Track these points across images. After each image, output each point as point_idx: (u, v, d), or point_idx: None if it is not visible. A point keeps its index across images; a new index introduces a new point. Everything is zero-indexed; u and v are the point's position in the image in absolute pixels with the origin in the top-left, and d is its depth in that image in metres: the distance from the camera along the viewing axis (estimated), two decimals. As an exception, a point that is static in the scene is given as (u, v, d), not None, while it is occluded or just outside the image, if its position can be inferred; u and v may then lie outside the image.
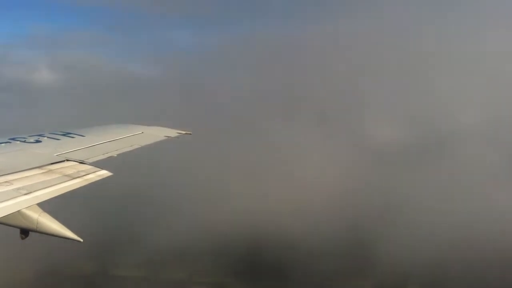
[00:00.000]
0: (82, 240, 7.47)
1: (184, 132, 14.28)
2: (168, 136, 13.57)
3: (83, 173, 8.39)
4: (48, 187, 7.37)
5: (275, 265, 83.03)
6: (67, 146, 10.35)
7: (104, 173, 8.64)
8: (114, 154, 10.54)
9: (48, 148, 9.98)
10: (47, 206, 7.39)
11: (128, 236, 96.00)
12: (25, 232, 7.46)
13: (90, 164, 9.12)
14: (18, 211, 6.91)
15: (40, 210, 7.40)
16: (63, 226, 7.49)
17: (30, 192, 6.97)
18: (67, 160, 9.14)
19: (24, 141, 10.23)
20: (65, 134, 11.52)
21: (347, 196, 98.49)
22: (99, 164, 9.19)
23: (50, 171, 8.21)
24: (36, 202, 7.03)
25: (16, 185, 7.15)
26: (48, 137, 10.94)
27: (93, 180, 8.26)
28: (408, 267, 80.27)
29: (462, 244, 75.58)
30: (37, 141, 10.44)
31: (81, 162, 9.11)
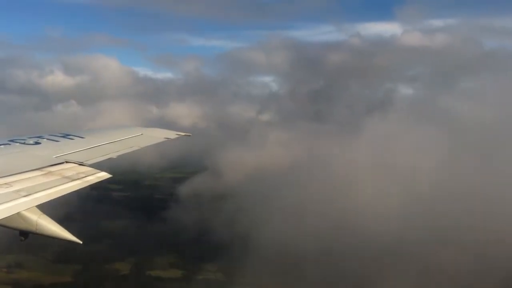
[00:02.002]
0: (81, 242, 7.47)
1: (183, 134, 14.28)
2: (168, 138, 13.56)
3: (83, 175, 8.39)
4: (48, 189, 7.37)
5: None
6: (67, 147, 10.35)
7: (103, 175, 8.64)
8: (114, 155, 10.54)
9: (48, 149, 9.97)
10: (46, 208, 7.39)
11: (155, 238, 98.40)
12: (24, 234, 7.45)
13: (90, 165, 9.12)
14: (18, 213, 6.90)
15: (39, 212, 7.39)
16: (62, 228, 7.48)
17: (30, 194, 6.97)
18: (67, 162, 9.14)
19: (24, 143, 10.23)
20: (65, 136, 11.52)
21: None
22: (98, 166, 9.19)
23: (49, 172, 8.21)
24: (36, 204, 7.03)
25: (16, 187, 7.15)
26: (47, 139, 10.94)
27: (92, 182, 8.27)
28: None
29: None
30: (37, 143, 10.44)
31: (81, 164, 9.11)
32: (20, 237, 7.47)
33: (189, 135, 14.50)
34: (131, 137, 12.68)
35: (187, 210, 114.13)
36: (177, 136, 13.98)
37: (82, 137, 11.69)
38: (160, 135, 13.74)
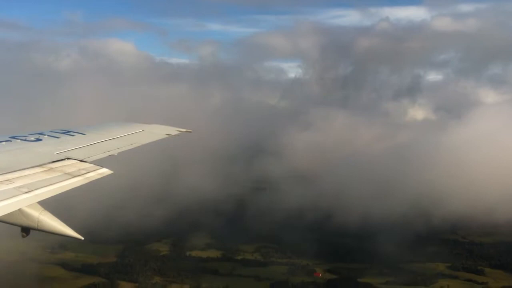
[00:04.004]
0: (83, 238, 7.48)
1: (184, 130, 14.25)
2: (169, 134, 13.55)
3: (84, 171, 8.38)
4: (49, 185, 7.37)
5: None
6: (68, 144, 10.35)
7: (104, 171, 8.63)
8: (115, 152, 10.53)
9: (49, 146, 9.97)
10: (48, 204, 7.39)
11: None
12: (26, 230, 7.46)
13: (91, 162, 9.11)
14: (19, 209, 6.90)
15: (41, 208, 7.40)
16: (64, 224, 7.49)
17: (31, 191, 6.97)
18: (68, 158, 9.13)
19: (25, 140, 10.22)
20: (66, 133, 11.51)
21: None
22: (99, 162, 9.18)
23: (50, 169, 8.20)
24: (37, 200, 7.03)
25: (17, 183, 7.15)
26: (48, 136, 10.93)
27: (93, 178, 8.25)
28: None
29: None
30: (38, 140, 10.43)
31: (82, 161, 9.10)
32: (21, 233, 7.47)
33: (190, 132, 14.46)
34: (132, 134, 12.67)
35: (224, 192, 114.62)
36: (178, 132, 13.97)
37: (83, 134, 11.68)
38: (161, 131, 13.72)
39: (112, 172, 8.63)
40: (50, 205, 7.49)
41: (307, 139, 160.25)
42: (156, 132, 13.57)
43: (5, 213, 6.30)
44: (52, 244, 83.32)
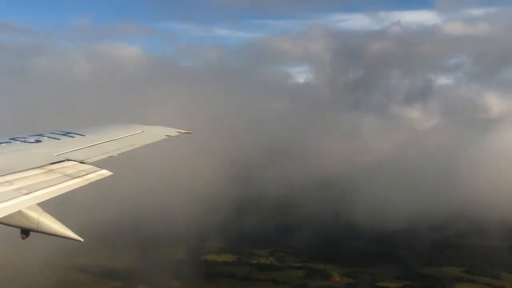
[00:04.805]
0: (82, 240, 7.48)
1: (184, 131, 14.26)
2: (169, 135, 13.55)
3: (84, 173, 8.38)
4: (49, 187, 7.36)
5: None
6: (67, 145, 10.34)
7: (104, 172, 8.62)
8: (115, 153, 10.52)
9: (48, 148, 9.97)
10: (47, 206, 7.39)
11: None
12: (26, 232, 7.46)
13: (91, 163, 9.10)
14: (19, 211, 6.90)
15: (40, 210, 7.39)
16: (63, 226, 7.49)
17: (31, 192, 6.96)
18: (68, 159, 9.12)
19: (25, 141, 10.22)
20: (65, 134, 11.51)
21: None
22: (99, 164, 9.18)
23: (50, 171, 8.20)
24: (37, 202, 7.02)
25: (17, 185, 7.15)
26: (48, 137, 10.93)
27: (93, 180, 8.24)
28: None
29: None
30: (37, 141, 10.43)
31: (82, 162, 9.09)
32: (21, 234, 7.47)
33: (190, 133, 14.47)
34: (131, 135, 12.67)
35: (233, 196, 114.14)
36: (178, 133, 13.98)
37: (83, 135, 11.68)
38: (160, 132, 13.72)
39: (112, 173, 8.63)
40: (52, 207, 7.49)
41: (322, 143, 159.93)
42: (156, 133, 13.58)
43: (5, 215, 6.30)
44: (69, 249, 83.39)
